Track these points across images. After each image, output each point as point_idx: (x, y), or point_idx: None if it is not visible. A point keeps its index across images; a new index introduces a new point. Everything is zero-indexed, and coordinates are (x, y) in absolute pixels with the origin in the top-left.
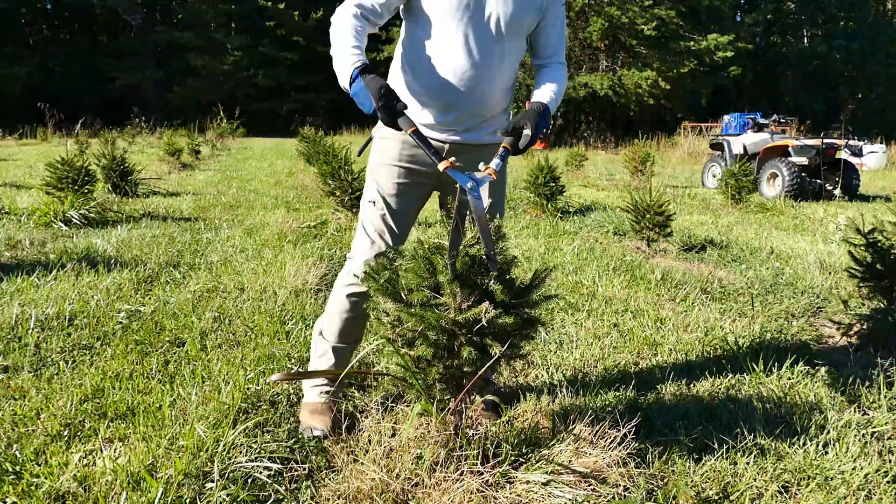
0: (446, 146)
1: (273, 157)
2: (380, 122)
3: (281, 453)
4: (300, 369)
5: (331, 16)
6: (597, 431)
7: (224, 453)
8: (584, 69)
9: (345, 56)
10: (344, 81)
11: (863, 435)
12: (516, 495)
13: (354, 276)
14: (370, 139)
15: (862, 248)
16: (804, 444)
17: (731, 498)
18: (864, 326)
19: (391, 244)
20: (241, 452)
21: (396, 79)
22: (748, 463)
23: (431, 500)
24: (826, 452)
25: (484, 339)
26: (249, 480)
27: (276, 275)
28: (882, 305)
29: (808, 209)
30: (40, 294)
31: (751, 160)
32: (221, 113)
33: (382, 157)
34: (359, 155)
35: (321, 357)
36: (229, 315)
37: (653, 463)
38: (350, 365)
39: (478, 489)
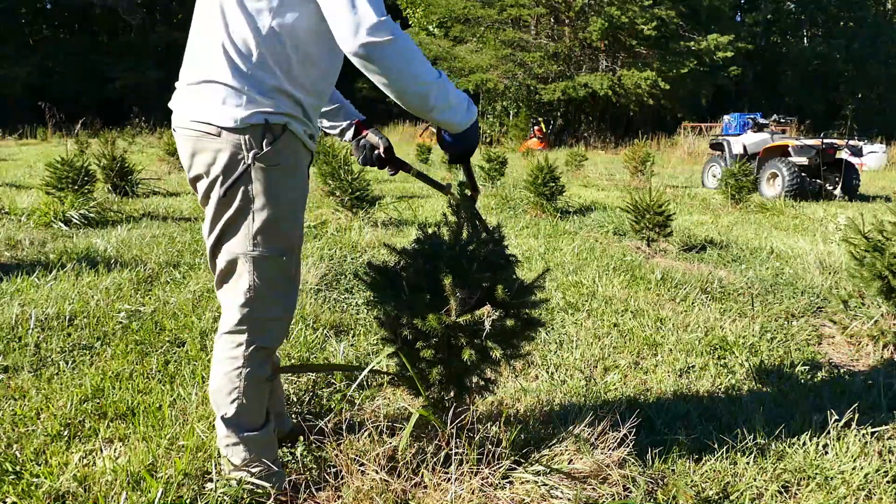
0: (312, 154)
1: None
2: (276, 144)
3: (282, 456)
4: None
5: None
6: (597, 431)
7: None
8: (584, 69)
9: (447, 83)
10: (462, 107)
11: (863, 435)
12: (516, 495)
13: (264, 349)
14: (247, 168)
15: (862, 248)
16: (804, 444)
17: (731, 498)
18: (864, 326)
19: (296, 301)
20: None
21: (264, 68)
22: (748, 463)
23: (431, 500)
24: (826, 452)
25: (485, 340)
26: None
27: None
28: (882, 305)
29: (808, 209)
30: (40, 294)
31: (751, 160)
32: None
33: (294, 192)
34: (224, 195)
35: (260, 450)
36: None
37: (653, 463)
38: (369, 368)
39: (478, 489)
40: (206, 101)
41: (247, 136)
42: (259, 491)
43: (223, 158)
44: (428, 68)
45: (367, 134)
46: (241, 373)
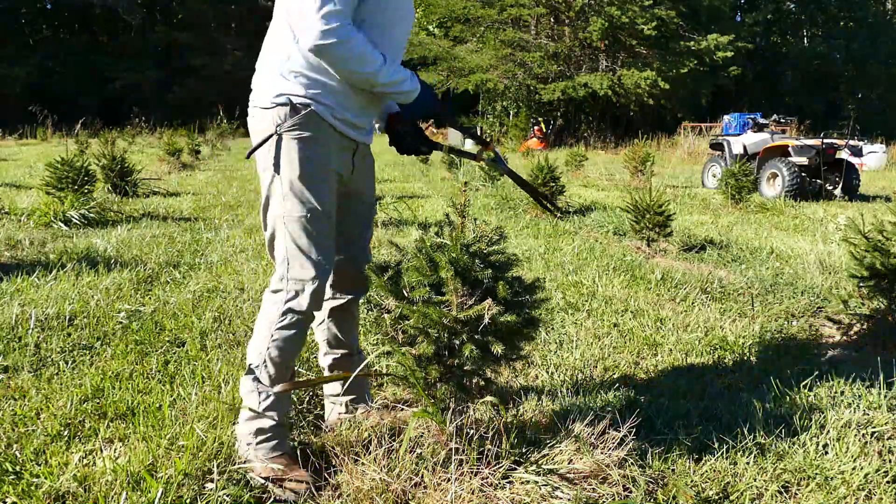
0: (358, 144)
1: None
2: (297, 118)
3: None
4: (299, 370)
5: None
6: (597, 431)
7: (224, 453)
8: (584, 69)
9: (376, 55)
10: (398, 75)
11: (863, 435)
12: (516, 495)
13: (294, 312)
14: (270, 136)
15: (862, 248)
16: (804, 444)
17: (731, 498)
18: (864, 326)
19: (330, 270)
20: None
21: (322, 78)
22: (748, 463)
23: (431, 500)
24: (826, 452)
25: (486, 337)
26: (250, 480)
27: None
28: (882, 305)
29: (808, 209)
30: (40, 294)
31: (751, 160)
32: (221, 113)
33: (313, 161)
34: (248, 157)
35: (268, 409)
36: (229, 315)
37: (653, 463)
38: (364, 364)
39: (478, 489)
40: (256, 90)
41: (277, 112)
42: (257, 489)
43: (260, 130)
44: (369, 64)
45: (397, 125)
46: (272, 328)
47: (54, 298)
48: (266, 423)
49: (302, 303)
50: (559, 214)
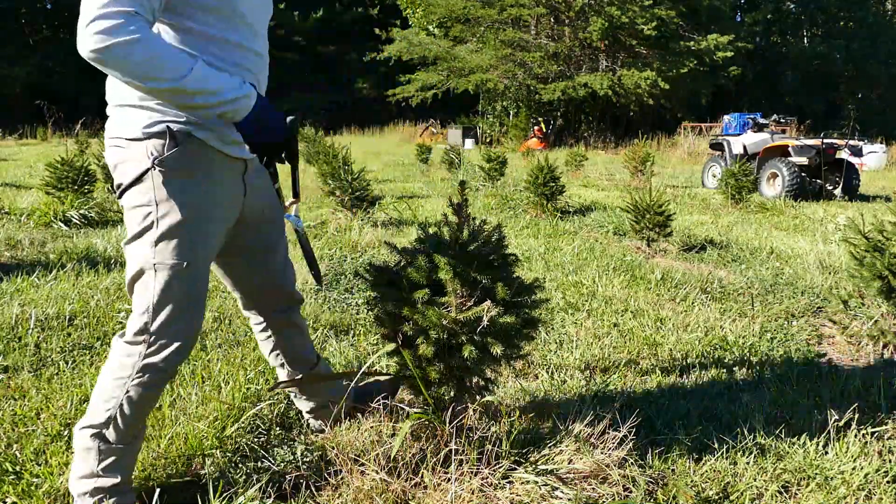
0: (246, 162)
1: None
2: (178, 150)
3: (282, 456)
4: None
5: (330, 16)
6: (597, 431)
7: (224, 453)
8: (584, 69)
9: (186, 60)
10: (219, 81)
11: (863, 435)
12: (516, 495)
13: (156, 369)
14: (147, 171)
15: (862, 248)
16: (804, 444)
17: (731, 498)
18: (864, 326)
19: (200, 326)
20: (241, 453)
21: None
22: (748, 463)
23: (431, 500)
24: (826, 452)
25: (485, 338)
26: (250, 480)
27: None
28: (882, 305)
29: (808, 209)
30: (40, 294)
31: (751, 160)
32: None
33: (198, 203)
34: (119, 197)
35: (108, 468)
36: (229, 315)
37: (653, 463)
38: (365, 368)
39: (478, 489)
40: (117, 119)
41: (153, 144)
42: (259, 492)
43: (129, 167)
44: (170, 69)
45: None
46: (125, 384)
47: (54, 298)
48: (107, 483)
49: (165, 360)
50: (320, 286)
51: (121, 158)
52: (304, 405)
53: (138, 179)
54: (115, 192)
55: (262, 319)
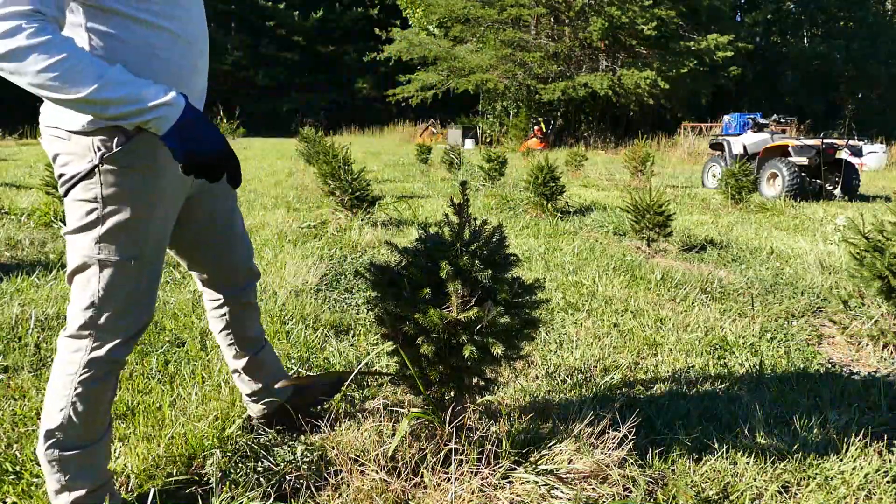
0: None
1: (273, 157)
2: (128, 144)
3: (282, 456)
4: (300, 370)
5: (330, 16)
6: (597, 431)
7: (224, 453)
8: (584, 69)
9: (98, 65)
10: (140, 88)
11: (863, 435)
12: (516, 495)
13: (103, 362)
14: (94, 168)
15: (862, 248)
16: (804, 444)
17: (731, 498)
18: (864, 326)
19: (149, 321)
20: (241, 453)
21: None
22: (748, 463)
23: (431, 500)
24: (826, 452)
25: (485, 338)
26: (249, 480)
27: (276, 274)
28: (882, 305)
29: (808, 209)
30: (40, 294)
31: (751, 160)
32: (221, 113)
33: (147, 197)
34: (65, 196)
35: (77, 476)
36: None
37: (653, 463)
38: (363, 364)
39: (478, 489)
40: (55, 107)
41: (99, 139)
42: (259, 492)
43: (73, 161)
44: (76, 81)
45: None
46: (73, 380)
47: (54, 298)
48: (80, 492)
49: (111, 353)
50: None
51: (62, 150)
52: (245, 387)
53: (79, 174)
54: (57, 183)
55: (218, 296)
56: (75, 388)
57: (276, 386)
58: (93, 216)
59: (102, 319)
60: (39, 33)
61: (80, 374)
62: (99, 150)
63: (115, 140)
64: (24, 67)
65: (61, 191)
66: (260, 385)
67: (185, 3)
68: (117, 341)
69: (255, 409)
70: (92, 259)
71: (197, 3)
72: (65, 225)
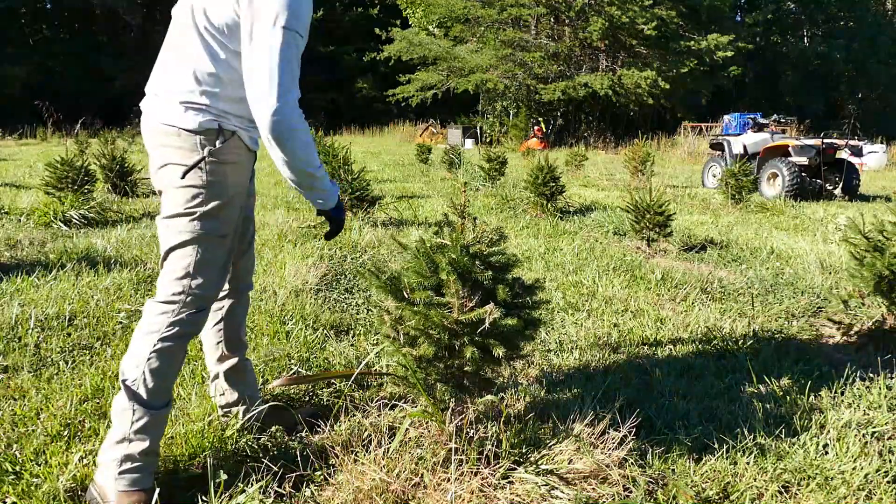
0: (255, 154)
1: None
2: (227, 144)
3: (282, 456)
4: (299, 370)
5: (330, 16)
6: (597, 431)
7: (224, 453)
8: (585, 69)
9: (324, 173)
10: (334, 194)
11: (863, 435)
12: (516, 495)
13: (185, 325)
14: (202, 159)
15: (862, 248)
16: (804, 444)
17: (731, 498)
18: (864, 326)
19: (220, 292)
20: (241, 453)
21: (223, 88)
22: (748, 463)
23: (431, 500)
24: (826, 452)
25: (486, 339)
26: (249, 480)
27: (276, 274)
28: (882, 305)
29: (808, 209)
30: (40, 294)
31: (751, 160)
32: None
33: (236, 186)
34: (183, 177)
35: (140, 430)
36: None
37: (653, 463)
38: (363, 364)
39: (478, 489)
40: (172, 109)
41: (202, 137)
42: (259, 492)
43: (182, 153)
44: (315, 156)
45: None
46: (155, 338)
47: (54, 298)
48: (137, 448)
49: (194, 319)
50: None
51: (173, 144)
52: (220, 398)
53: (195, 165)
54: (158, 171)
55: (224, 287)
56: (155, 346)
57: (270, 385)
58: (198, 199)
59: (192, 287)
60: (304, 119)
61: (163, 333)
62: (204, 146)
63: (217, 140)
64: (297, 144)
65: (166, 176)
66: (236, 396)
67: None
68: (197, 309)
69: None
70: (192, 235)
71: None
72: (160, 212)
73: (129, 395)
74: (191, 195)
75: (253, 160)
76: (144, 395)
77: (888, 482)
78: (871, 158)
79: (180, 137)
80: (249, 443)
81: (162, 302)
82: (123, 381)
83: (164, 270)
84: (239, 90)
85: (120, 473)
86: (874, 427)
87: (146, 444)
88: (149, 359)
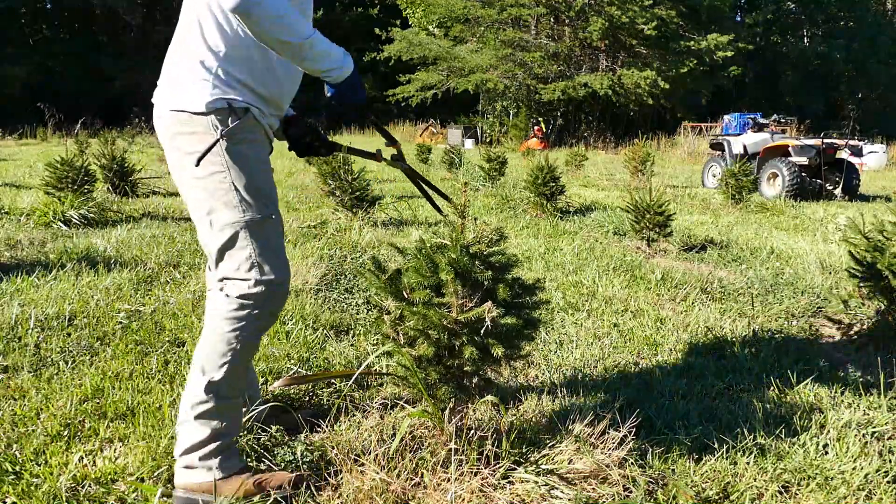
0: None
1: (273, 156)
2: (241, 122)
3: (282, 456)
4: (299, 370)
5: (331, 16)
6: (597, 431)
7: None
8: (584, 69)
9: (321, 38)
10: (339, 56)
11: (863, 435)
12: (516, 495)
13: (269, 312)
14: (217, 142)
15: (862, 248)
16: (804, 444)
17: (731, 498)
18: (864, 326)
19: (289, 272)
20: (241, 453)
21: (231, 64)
22: (748, 463)
23: (431, 500)
24: (826, 452)
25: (486, 339)
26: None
27: None
28: (882, 305)
29: (808, 209)
30: (40, 294)
31: (751, 160)
32: None
33: (262, 162)
34: (198, 164)
35: (232, 418)
36: None
37: (653, 463)
38: (364, 366)
39: (478, 489)
40: (180, 93)
41: (216, 117)
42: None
43: (195, 137)
44: (299, 27)
45: (290, 128)
46: (239, 335)
47: (54, 298)
48: (223, 439)
49: (275, 303)
50: (444, 215)
51: (184, 130)
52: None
53: (210, 147)
54: (174, 164)
55: None
56: (240, 344)
57: (271, 387)
58: (225, 185)
59: (265, 275)
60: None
61: (245, 331)
62: (217, 127)
63: (228, 118)
64: (265, 12)
65: (185, 169)
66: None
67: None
68: (282, 291)
69: None
70: (239, 224)
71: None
72: (191, 215)
73: (212, 393)
74: (217, 182)
75: (269, 139)
76: (225, 391)
77: (888, 482)
78: (871, 158)
79: (193, 121)
80: (250, 443)
81: (238, 297)
82: (210, 381)
83: (222, 269)
84: (255, 69)
85: (217, 467)
86: (874, 427)
87: (236, 430)
88: (233, 355)
